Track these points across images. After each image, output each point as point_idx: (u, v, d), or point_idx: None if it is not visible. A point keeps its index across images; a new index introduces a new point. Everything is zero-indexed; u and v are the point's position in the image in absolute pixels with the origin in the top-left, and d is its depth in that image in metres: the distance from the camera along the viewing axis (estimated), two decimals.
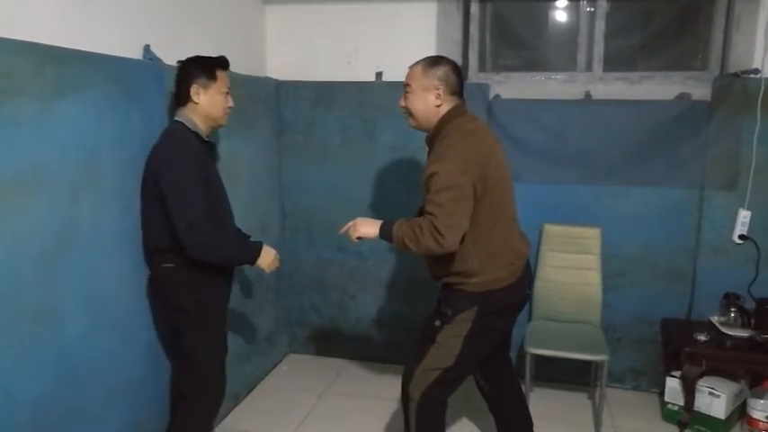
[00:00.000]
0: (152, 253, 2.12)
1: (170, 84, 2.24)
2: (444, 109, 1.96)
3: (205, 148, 2.15)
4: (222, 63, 2.15)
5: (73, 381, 1.89)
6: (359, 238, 1.99)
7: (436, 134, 1.97)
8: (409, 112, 2.01)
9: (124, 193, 2.08)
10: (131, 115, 2.10)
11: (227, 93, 2.15)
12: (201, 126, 2.13)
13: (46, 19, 1.78)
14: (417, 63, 2.00)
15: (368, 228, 1.97)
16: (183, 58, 2.16)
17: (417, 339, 2.09)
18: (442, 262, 1.95)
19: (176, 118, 2.11)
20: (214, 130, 2.26)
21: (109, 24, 2.04)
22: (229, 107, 2.17)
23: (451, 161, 1.84)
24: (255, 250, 2.14)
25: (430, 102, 1.95)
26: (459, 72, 2.00)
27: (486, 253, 1.93)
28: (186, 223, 1.93)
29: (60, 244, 1.81)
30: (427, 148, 2.04)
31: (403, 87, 2.02)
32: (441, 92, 1.94)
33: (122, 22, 2.11)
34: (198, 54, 2.16)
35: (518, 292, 2.05)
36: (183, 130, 2.07)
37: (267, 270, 2.19)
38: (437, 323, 1.99)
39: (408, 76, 2.00)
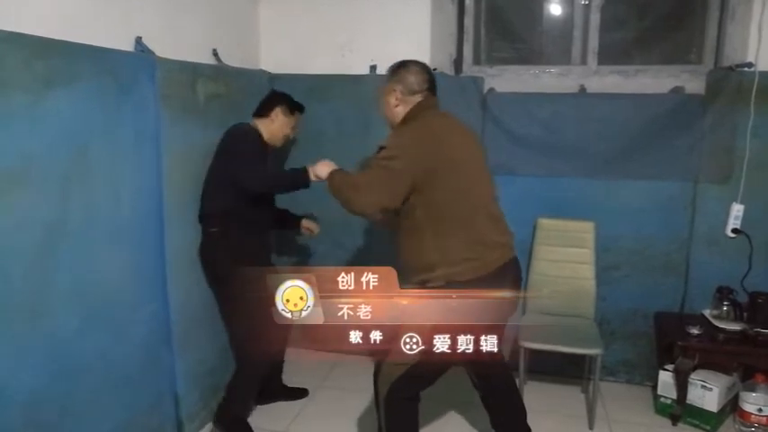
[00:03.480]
0: (202, 219, 2.51)
1: (162, 76, 2.22)
2: (405, 109, 2.04)
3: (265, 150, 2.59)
4: (301, 108, 2.69)
5: (67, 377, 1.87)
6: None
7: (395, 128, 2.07)
8: (384, 118, 2.14)
9: (116, 185, 2.06)
10: (123, 107, 2.08)
11: (293, 128, 2.68)
12: (264, 138, 2.59)
13: (36, 10, 1.76)
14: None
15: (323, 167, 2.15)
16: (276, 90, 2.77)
17: None
18: (407, 256, 2.01)
19: (251, 122, 2.59)
20: (271, 148, 2.67)
21: (100, 16, 2.02)
22: (288, 136, 2.68)
23: (395, 145, 1.95)
24: (302, 169, 2.34)
25: (391, 104, 2.07)
26: (420, 72, 2.06)
27: (445, 245, 1.93)
28: (255, 178, 2.41)
29: (52, 238, 1.80)
30: None
31: None
32: (398, 93, 2.04)
33: (114, 14, 2.09)
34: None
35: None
36: (252, 129, 2.56)
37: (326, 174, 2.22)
38: None
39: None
